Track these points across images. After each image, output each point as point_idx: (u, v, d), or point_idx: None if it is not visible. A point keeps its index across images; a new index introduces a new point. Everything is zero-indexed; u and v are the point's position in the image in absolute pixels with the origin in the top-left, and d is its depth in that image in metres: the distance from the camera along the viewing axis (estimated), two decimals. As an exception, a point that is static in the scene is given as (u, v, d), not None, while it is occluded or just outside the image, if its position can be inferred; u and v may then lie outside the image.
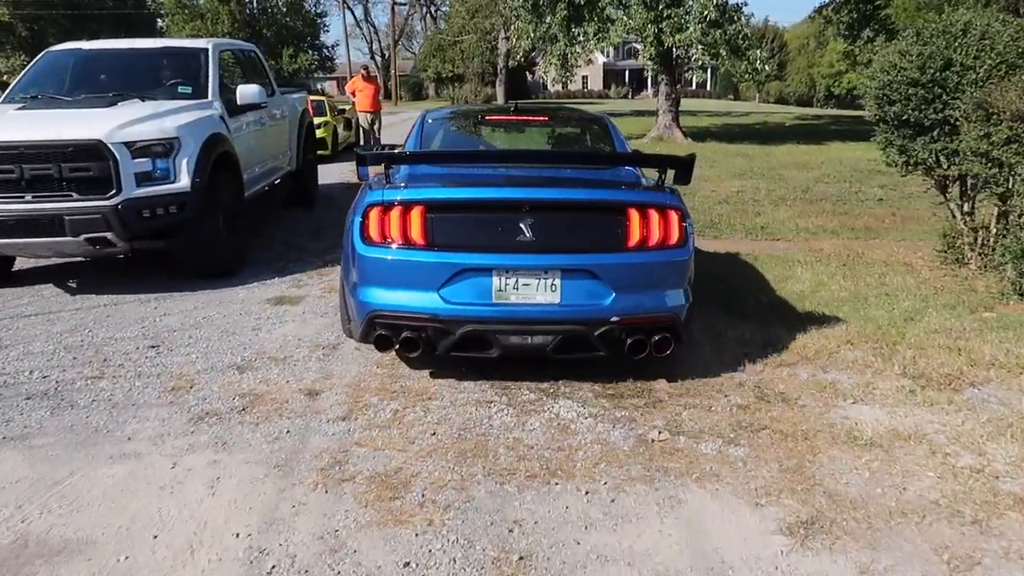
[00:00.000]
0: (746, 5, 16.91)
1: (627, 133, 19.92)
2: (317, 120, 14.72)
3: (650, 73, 18.77)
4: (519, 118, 5.29)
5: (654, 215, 3.56)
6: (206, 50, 6.84)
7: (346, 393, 3.79)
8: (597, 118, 5.39)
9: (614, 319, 3.48)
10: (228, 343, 4.57)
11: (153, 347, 4.51)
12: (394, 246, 3.51)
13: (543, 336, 3.52)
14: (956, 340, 4.45)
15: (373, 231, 3.55)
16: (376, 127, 16.59)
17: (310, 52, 63.54)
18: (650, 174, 4.16)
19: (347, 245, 3.78)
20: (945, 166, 5.94)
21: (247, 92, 6.72)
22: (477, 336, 3.52)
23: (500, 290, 3.45)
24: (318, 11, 59.88)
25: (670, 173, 3.94)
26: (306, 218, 8.83)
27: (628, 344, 3.55)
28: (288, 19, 56.60)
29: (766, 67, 17.35)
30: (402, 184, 3.68)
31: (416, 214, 3.48)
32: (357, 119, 16.74)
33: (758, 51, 16.77)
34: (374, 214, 3.54)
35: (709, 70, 18.49)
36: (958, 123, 5.64)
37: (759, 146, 17.67)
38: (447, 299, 3.45)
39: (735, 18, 16.40)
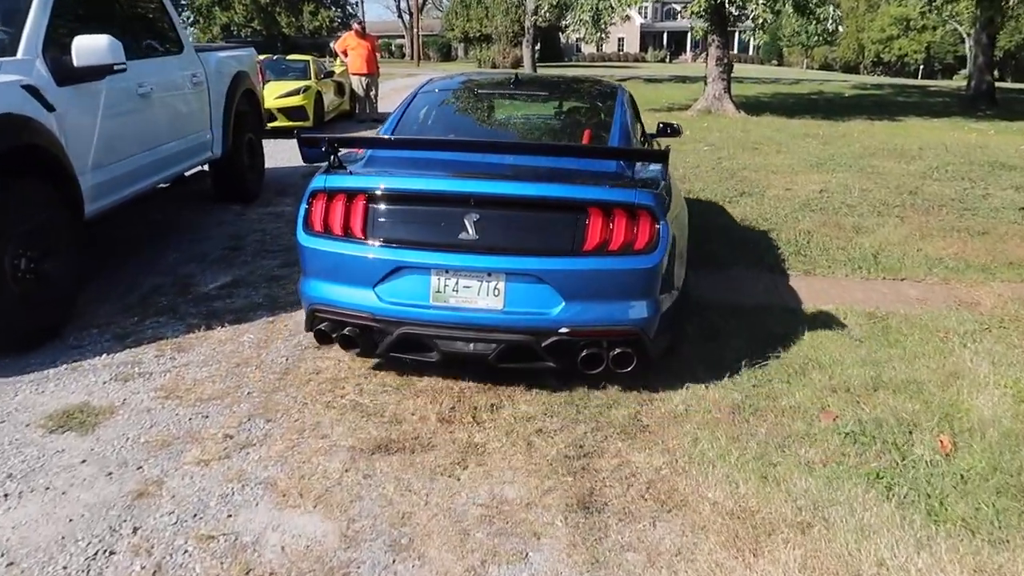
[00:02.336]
0: (817, -49, 14.01)
1: (669, 103, 17.22)
2: (296, 85, 12.38)
3: (697, 33, 15.93)
4: (516, 92, 4.68)
5: (620, 215, 3.11)
6: (30, -19, 4.41)
7: None
8: (606, 94, 4.62)
9: (563, 330, 3.10)
10: None
11: None
12: (332, 237, 3.23)
13: (485, 343, 3.14)
14: None
15: (315, 220, 3.27)
16: (373, 93, 14.13)
17: (332, 9, 61.05)
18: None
19: None
20: None
21: (89, 48, 4.27)
22: (415, 339, 3.20)
23: (439, 291, 3.14)
24: (341, -36, 57.25)
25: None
26: (231, 223, 6.43)
27: (582, 357, 3.16)
28: (309, -28, 54.17)
29: (839, 27, 14.44)
30: (349, 171, 3.34)
31: (357, 204, 3.21)
32: (350, 83, 14.27)
33: (831, 7, 13.87)
34: (317, 202, 3.27)
35: (753, 31, 15.60)
36: None
37: (826, 123, 14.84)
38: (383, 298, 3.16)
39: (804, -33, 13.52)
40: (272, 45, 57.05)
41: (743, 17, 14.97)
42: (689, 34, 62.99)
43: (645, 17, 66.34)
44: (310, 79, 12.85)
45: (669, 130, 5.21)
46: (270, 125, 11.79)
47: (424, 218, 3.23)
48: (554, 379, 3.49)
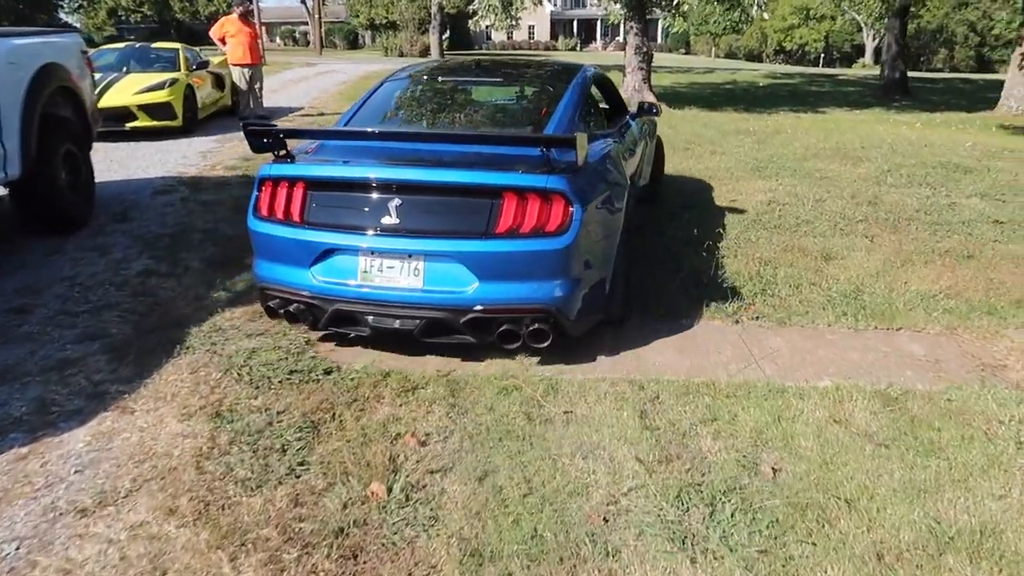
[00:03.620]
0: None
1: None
2: (161, 77, 10.61)
3: (614, 18, 14.86)
4: (476, 78, 4.91)
5: (534, 199, 3.25)
6: None
7: None
8: (562, 78, 4.58)
9: (478, 308, 3.27)
10: None
11: None
12: (276, 221, 3.49)
13: (409, 319, 3.35)
14: None
15: (263, 205, 3.53)
16: (257, 86, 12.38)
17: (229, -7, 57.60)
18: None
19: None
20: None
21: None
22: (347, 315, 3.44)
23: (365, 271, 3.37)
24: (235, -54, 54.11)
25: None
26: (32, 266, 4.84)
27: (499, 333, 3.34)
28: (202, -46, 50.98)
29: (764, 14, 13.61)
30: (290, 160, 3.57)
31: (296, 191, 3.46)
32: (231, 75, 12.50)
33: (755, -7, 13.00)
34: (264, 189, 3.53)
35: (673, 18, 14.69)
36: None
37: (751, 115, 14.05)
38: (317, 277, 3.43)
39: (727, -51, 12.57)
40: (165, 32, 53.28)
41: (663, 3, 13.96)
42: (599, 22, 62.52)
43: (555, 5, 65.51)
44: (179, 70, 11.07)
45: (655, 110, 5.71)
46: (129, 126, 10.05)
47: (352, 203, 3.42)
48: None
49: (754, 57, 62.65)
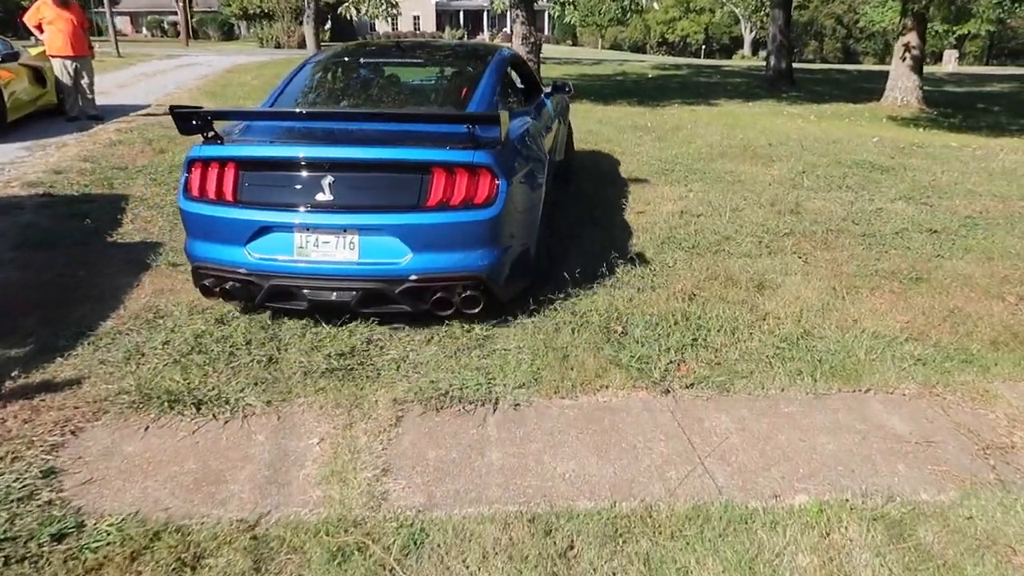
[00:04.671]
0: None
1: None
2: (-49, 71, 8.71)
3: (498, 7, 13.81)
4: (398, 59, 5.00)
5: (462, 173, 3.38)
6: None
7: None
8: (480, 58, 4.67)
9: (412, 278, 3.40)
10: None
11: None
12: (208, 201, 3.52)
13: (345, 291, 3.45)
14: None
15: (193, 186, 3.56)
16: (85, 82, 10.53)
17: (82, -21, 52.92)
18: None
19: None
20: None
21: None
22: (284, 290, 3.51)
23: (301, 247, 3.44)
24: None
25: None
26: None
27: (433, 300, 3.46)
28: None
29: (654, 4, 12.87)
30: (220, 141, 3.57)
31: (228, 171, 3.50)
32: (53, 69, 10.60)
33: (646, -20, 12.22)
34: (194, 170, 3.55)
35: (563, 7, 13.81)
36: None
37: (646, 110, 13.29)
38: (253, 254, 3.47)
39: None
40: (9, 24, 48.15)
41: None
42: (486, 13, 61.47)
43: (440, -5, 63.97)
44: (-22, 63, 9.17)
45: (567, 88, 6.07)
46: (-89, 131, 8.17)
47: (286, 182, 3.47)
48: None
49: (638, 48, 63.51)
